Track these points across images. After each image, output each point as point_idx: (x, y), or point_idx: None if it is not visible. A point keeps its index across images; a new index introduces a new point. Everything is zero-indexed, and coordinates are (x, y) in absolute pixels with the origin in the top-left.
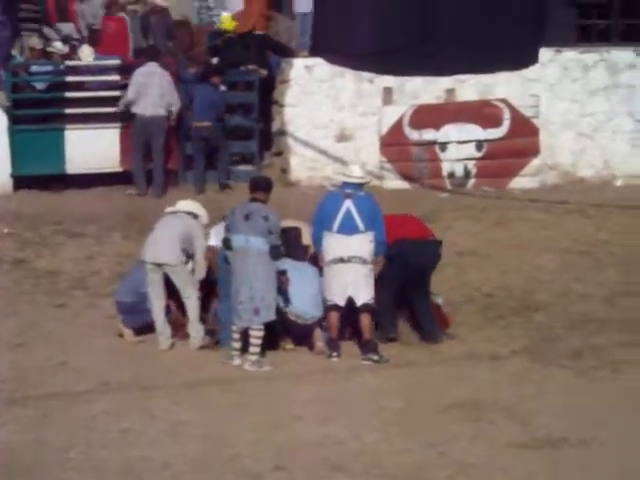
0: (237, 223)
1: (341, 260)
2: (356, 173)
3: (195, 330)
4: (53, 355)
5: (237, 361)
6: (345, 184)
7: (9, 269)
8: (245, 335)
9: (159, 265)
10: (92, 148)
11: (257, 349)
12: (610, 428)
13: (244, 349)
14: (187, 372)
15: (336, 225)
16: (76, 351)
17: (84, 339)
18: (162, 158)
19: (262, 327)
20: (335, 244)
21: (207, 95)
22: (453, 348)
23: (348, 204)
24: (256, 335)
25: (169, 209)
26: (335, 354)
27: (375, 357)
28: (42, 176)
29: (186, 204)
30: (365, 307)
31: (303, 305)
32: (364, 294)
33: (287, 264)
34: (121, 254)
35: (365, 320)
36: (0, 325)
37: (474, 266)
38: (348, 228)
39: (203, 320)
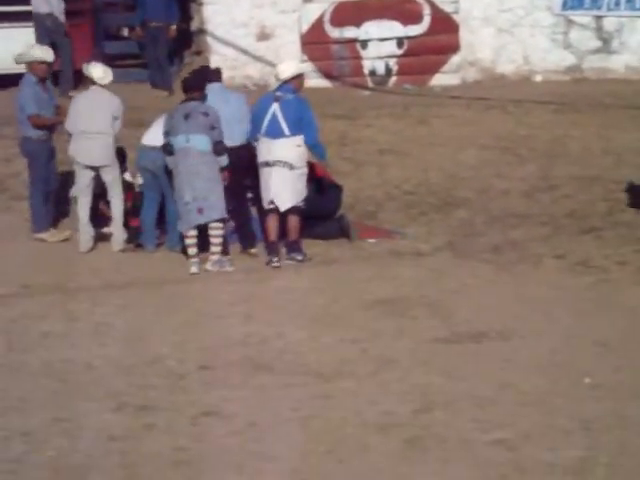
0: (177, 124)
1: (267, 164)
2: (284, 74)
3: (117, 229)
4: None
5: (194, 268)
6: (279, 86)
7: None
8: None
9: (93, 167)
10: (6, 48)
11: (217, 248)
12: (530, 321)
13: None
14: (109, 274)
15: (263, 128)
16: None
17: (3, 242)
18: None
19: (220, 225)
20: (262, 147)
21: None
22: (376, 245)
23: (275, 107)
24: (214, 234)
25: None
26: (276, 259)
27: (299, 257)
28: None
29: (98, 72)
30: (290, 210)
31: None
32: (288, 199)
33: None
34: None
35: (291, 222)
36: None
37: (395, 164)
38: (273, 132)
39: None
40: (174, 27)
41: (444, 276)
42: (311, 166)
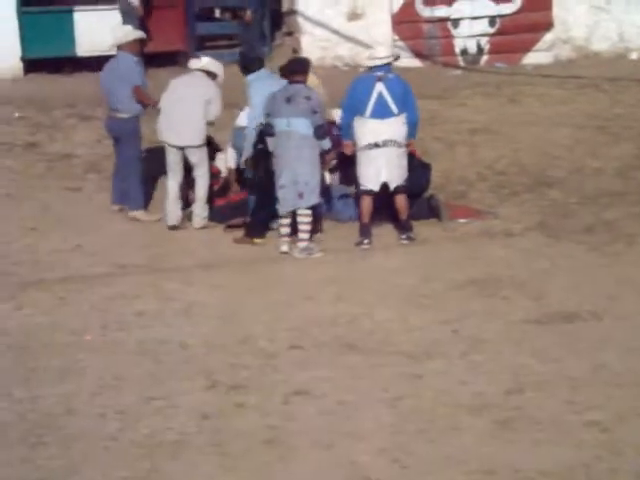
0: (278, 107)
1: (376, 145)
2: (382, 53)
3: (200, 208)
4: (68, 239)
5: (284, 247)
6: (374, 67)
7: (21, 153)
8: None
9: (181, 147)
10: (102, 30)
11: (306, 235)
12: (623, 302)
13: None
14: (201, 254)
15: (369, 110)
16: (91, 234)
17: (99, 222)
18: None
19: (310, 212)
20: (367, 129)
21: None
22: (467, 226)
23: (380, 87)
24: (303, 221)
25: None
26: (367, 241)
27: (413, 235)
28: (52, 59)
29: (204, 62)
30: (399, 189)
31: None
32: (398, 177)
33: None
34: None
35: (400, 201)
36: (14, 209)
37: (487, 144)
38: (381, 112)
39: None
40: (249, 12)
41: (535, 256)
42: None
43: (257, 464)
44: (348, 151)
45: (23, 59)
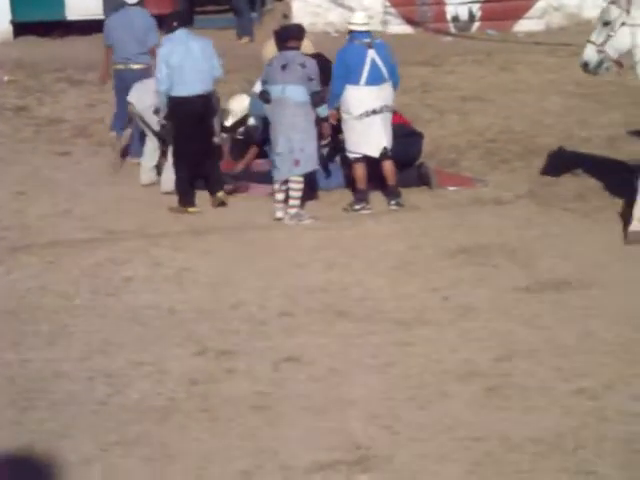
0: (274, 73)
1: (374, 112)
2: (363, 20)
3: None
4: (57, 203)
5: (279, 214)
6: (357, 33)
7: (10, 117)
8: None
9: None
10: None
11: (296, 202)
12: (613, 270)
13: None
14: (191, 220)
15: (364, 77)
16: (80, 199)
17: (88, 187)
18: None
19: (301, 179)
20: (364, 96)
21: None
22: (457, 193)
23: (372, 54)
24: (294, 187)
25: None
26: (368, 206)
27: (401, 201)
28: (42, 23)
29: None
30: (387, 155)
31: None
32: (389, 142)
33: None
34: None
35: (390, 166)
36: (3, 173)
37: (477, 111)
38: (376, 78)
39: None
40: None
41: (526, 224)
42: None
43: (246, 429)
44: (334, 120)
45: (13, 22)
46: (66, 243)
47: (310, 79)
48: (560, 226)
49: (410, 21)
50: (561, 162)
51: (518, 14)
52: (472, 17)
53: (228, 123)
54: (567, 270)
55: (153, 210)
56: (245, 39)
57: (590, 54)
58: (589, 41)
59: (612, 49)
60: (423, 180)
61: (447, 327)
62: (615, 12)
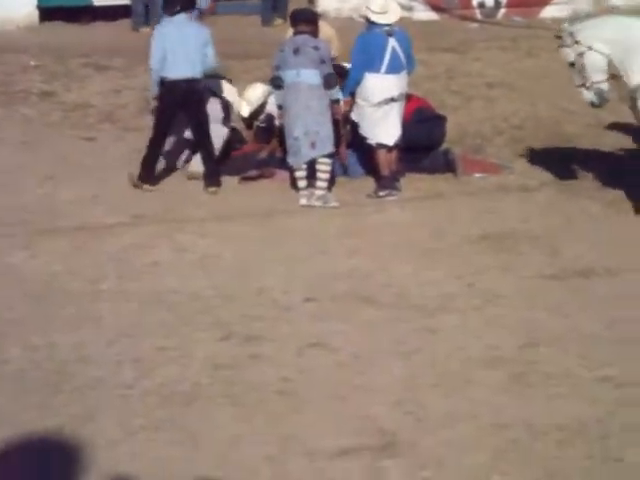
0: (287, 58)
1: (392, 100)
2: (381, 8)
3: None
4: (84, 188)
5: (304, 200)
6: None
7: (37, 102)
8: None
9: None
10: None
11: (324, 184)
12: (638, 258)
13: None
14: (216, 205)
15: (385, 65)
16: (106, 184)
17: (114, 172)
18: None
19: (330, 161)
20: (384, 84)
21: None
22: (482, 180)
23: (392, 42)
24: (322, 169)
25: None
26: (395, 192)
27: (399, 186)
28: (68, 7)
29: None
30: (398, 142)
31: None
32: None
33: None
34: (148, 87)
35: (395, 154)
36: (30, 158)
37: (503, 97)
38: (396, 67)
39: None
40: None
41: (551, 211)
42: (408, 97)
43: (270, 415)
44: (347, 106)
45: (39, 7)
46: (93, 228)
47: (322, 62)
48: (585, 214)
49: (436, 7)
50: (587, 149)
51: (544, 0)
52: (498, 3)
53: (245, 113)
54: (592, 257)
55: (178, 195)
56: (279, 21)
57: (587, 95)
58: (577, 87)
59: (596, 74)
60: (449, 167)
61: (472, 314)
62: (569, 51)
